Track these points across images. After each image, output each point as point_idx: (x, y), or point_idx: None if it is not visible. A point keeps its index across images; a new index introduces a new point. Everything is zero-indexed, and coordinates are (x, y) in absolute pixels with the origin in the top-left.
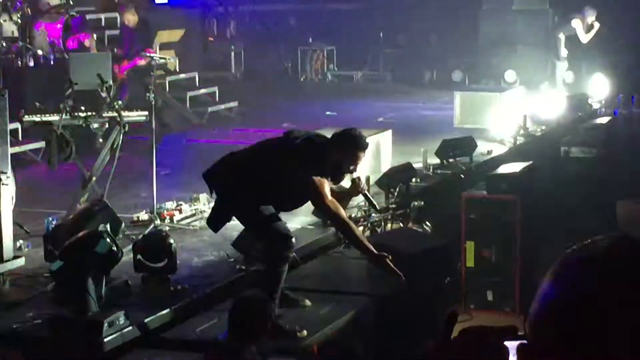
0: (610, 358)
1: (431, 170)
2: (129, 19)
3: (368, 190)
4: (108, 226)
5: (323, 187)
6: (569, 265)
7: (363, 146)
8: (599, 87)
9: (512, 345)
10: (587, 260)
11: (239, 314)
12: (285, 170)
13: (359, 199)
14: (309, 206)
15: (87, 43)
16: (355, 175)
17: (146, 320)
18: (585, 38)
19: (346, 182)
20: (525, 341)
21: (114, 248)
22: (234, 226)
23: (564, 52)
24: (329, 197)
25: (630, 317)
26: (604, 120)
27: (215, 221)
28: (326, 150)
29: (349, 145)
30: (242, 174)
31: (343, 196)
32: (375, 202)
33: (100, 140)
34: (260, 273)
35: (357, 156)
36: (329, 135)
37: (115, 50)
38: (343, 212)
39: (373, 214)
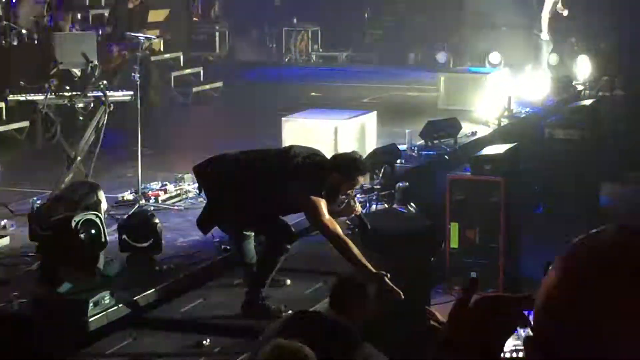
0: (619, 351)
1: (416, 152)
2: None
3: (361, 212)
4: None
5: (321, 206)
6: (574, 257)
7: (364, 171)
8: (583, 69)
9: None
10: (592, 252)
11: (343, 291)
12: (282, 188)
13: None
14: None
15: (61, 24)
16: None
17: (131, 300)
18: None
19: None
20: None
21: (102, 233)
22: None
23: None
24: (327, 215)
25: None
26: (588, 102)
27: (205, 223)
28: (326, 171)
29: (350, 170)
30: (234, 184)
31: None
32: (367, 222)
33: (81, 118)
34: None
35: (356, 181)
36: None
37: (109, 30)
38: (340, 231)
39: (358, 195)
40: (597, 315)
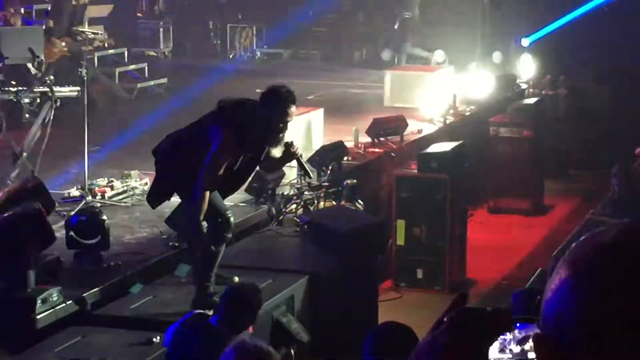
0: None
1: (363, 149)
2: None
3: (301, 156)
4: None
5: (221, 161)
6: (582, 256)
7: (290, 100)
8: (527, 68)
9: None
10: (600, 249)
11: (233, 303)
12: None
13: (291, 177)
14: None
15: (12, 20)
16: (288, 140)
17: (80, 297)
18: None
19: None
20: (539, 331)
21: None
22: (167, 203)
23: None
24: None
25: None
26: (531, 100)
27: (154, 198)
28: (255, 110)
29: (276, 101)
30: (181, 151)
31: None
32: (308, 168)
33: (27, 115)
34: (194, 251)
35: (285, 112)
36: None
37: (52, 23)
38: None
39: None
40: (615, 313)
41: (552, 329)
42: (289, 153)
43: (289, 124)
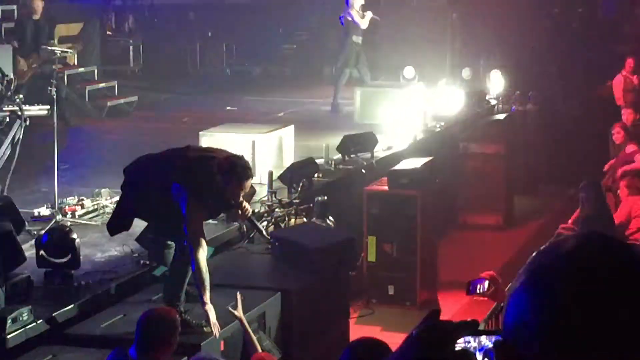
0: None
1: (333, 166)
2: (38, 5)
3: (253, 214)
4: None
5: (197, 217)
6: (541, 265)
7: (243, 177)
8: (496, 84)
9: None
10: (557, 260)
11: (148, 331)
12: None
13: (262, 194)
14: None
15: None
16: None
17: (50, 316)
18: (363, 23)
19: None
20: (500, 337)
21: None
22: (137, 222)
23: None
24: (200, 229)
25: (609, 313)
26: (501, 116)
27: (114, 225)
28: (212, 176)
29: (231, 175)
30: (139, 182)
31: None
32: (261, 228)
33: None
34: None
35: (239, 187)
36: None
37: (16, 43)
38: (204, 257)
39: (277, 210)
40: (570, 315)
41: (511, 335)
42: (241, 214)
43: (241, 194)
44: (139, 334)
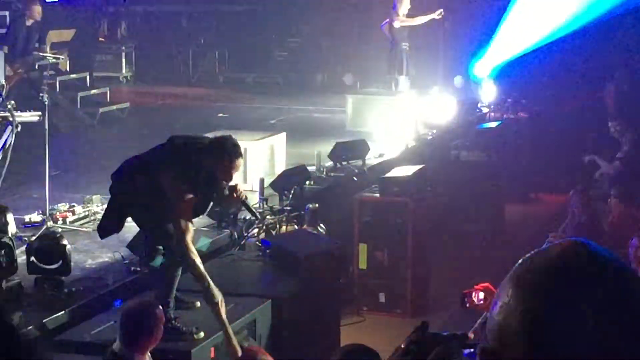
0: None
1: (325, 173)
2: (37, 10)
3: (246, 198)
4: (12, 228)
5: (179, 204)
6: (526, 272)
7: (233, 154)
8: (488, 92)
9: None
10: (543, 266)
11: (130, 324)
12: (159, 178)
13: (254, 201)
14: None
15: None
16: (233, 183)
17: (41, 323)
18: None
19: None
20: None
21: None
22: (128, 228)
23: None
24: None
25: (591, 320)
26: (493, 124)
27: (104, 228)
28: (200, 158)
29: (221, 153)
30: (132, 180)
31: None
32: (254, 210)
33: None
34: (154, 275)
35: (230, 166)
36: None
37: (6, 49)
38: (191, 245)
39: (268, 217)
40: (552, 321)
41: (496, 340)
42: (234, 197)
43: (234, 174)
44: (121, 329)
